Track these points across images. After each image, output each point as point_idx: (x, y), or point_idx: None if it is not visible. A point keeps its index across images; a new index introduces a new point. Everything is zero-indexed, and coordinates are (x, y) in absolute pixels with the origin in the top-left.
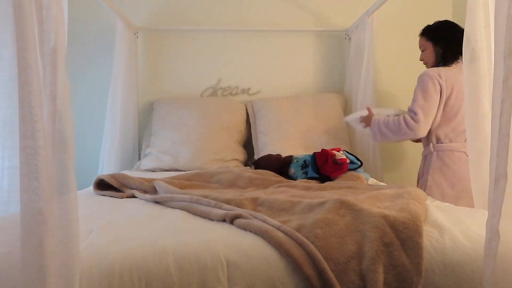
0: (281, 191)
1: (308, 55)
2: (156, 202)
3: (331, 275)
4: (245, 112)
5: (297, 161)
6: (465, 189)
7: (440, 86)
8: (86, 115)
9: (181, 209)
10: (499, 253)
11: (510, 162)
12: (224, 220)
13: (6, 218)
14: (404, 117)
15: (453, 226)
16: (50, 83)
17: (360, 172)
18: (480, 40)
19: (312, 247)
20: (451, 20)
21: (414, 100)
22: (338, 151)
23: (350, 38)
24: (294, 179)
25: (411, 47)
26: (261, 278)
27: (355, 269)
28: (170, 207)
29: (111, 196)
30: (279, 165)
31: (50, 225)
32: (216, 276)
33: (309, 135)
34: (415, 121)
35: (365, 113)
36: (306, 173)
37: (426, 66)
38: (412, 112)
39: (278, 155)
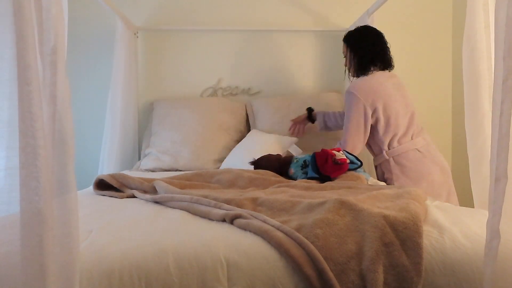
0: (281, 191)
1: (308, 55)
2: (156, 202)
3: (331, 275)
4: (245, 112)
5: (297, 161)
6: (430, 182)
7: (365, 104)
8: (86, 115)
9: (181, 209)
10: (499, 253)
11: (510, 162)
12: (224, 220)
13: (6, 218)
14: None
15: (453, 226)
16: (50, 83)
17: (360, 172)
18: (480, 40)
19: (312, 247)
20: (450, 20)
21: (344, 121)
22: (338, 151)
23: None
24: (294, 179)
25: (411, 47)
26: (261, 278)
27: (355, 269)
28: (170, 207)
29: (111, 196)
30: (279, 165)
31: (50, 225)
32: (216, 276)
33: (309, 135)
34: (341, 145)
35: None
36: (306, 173)
37: (349, 72)
38: (343, 136)
39: (278, 155)
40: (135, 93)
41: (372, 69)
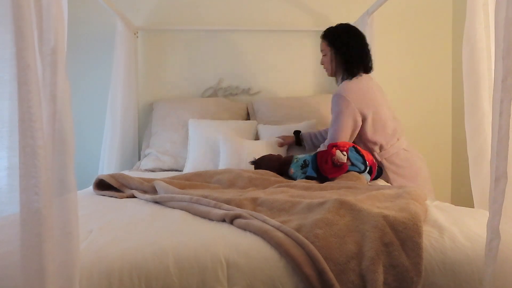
0: (281, 191)
1: (308, 55)
2: (156, 202)
3: (331, 275)
4: (245, 112)
5: (297, 161)
6: (423, 178)
7: (356, 108)
8: (86, 115)
9: (181, 209)
10: (499, 253)
11: (510, 162)
12: (224, 220)
13: (6, 218)
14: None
15: (453, 226)
16: (50, 83)
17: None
18: (480, 40)
19: (312, 247)
20: (450, 20)
21: (330, 124)
22: (344, 149)
23: None
24: (294, 179)
25: (411, 47)
26: (261, 278)
27: (355, 269)
28: (170, 207)
29: (111, 196)
30: (279, 165)
31: (50, 225)
32: (216, 276)
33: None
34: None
35: None
36: (305, 172)
37: (326, 72)
38: (326, 139)
39: (279, 155)
40: (135, 93)
41: (359, 72)
